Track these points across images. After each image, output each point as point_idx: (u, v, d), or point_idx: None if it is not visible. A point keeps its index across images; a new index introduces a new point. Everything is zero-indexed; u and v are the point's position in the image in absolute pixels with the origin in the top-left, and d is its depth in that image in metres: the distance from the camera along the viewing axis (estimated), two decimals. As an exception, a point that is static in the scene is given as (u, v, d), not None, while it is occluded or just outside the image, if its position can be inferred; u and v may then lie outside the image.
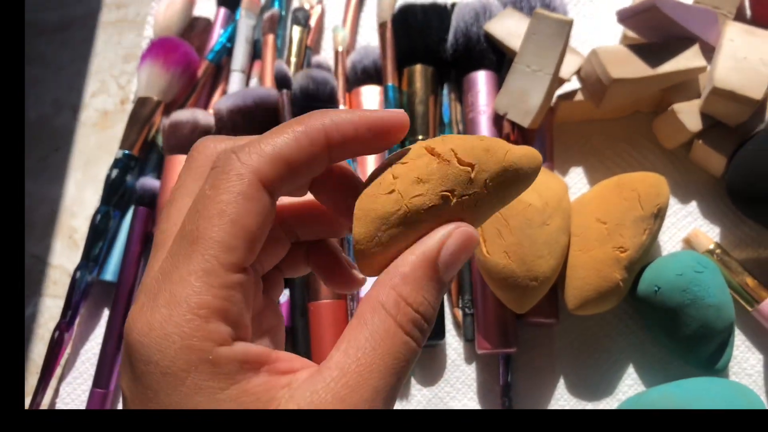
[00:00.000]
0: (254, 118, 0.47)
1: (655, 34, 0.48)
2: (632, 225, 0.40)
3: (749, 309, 0.42)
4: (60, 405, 0.46)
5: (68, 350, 0.47)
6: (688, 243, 0.44)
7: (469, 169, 0.22)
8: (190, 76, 0.51)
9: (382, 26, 0.51)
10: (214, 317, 0.20)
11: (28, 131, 0.54)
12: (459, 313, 0.45)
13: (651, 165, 0.47)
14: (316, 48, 0.54)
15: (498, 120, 0.47)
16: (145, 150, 0.50)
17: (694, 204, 0.46)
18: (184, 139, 0.47)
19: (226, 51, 0.53)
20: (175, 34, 0.53)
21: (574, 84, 0.48)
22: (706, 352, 0.40)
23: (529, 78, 0.46)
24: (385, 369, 0.20)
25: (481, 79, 0.48)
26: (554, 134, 0.48)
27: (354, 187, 0.24)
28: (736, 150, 0.44)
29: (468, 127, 0.48)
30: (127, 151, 0.49)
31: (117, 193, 0.48)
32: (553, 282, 0.41)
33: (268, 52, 0.52)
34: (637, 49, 0.47)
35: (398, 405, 0.44)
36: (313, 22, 0.54)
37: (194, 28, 0.55)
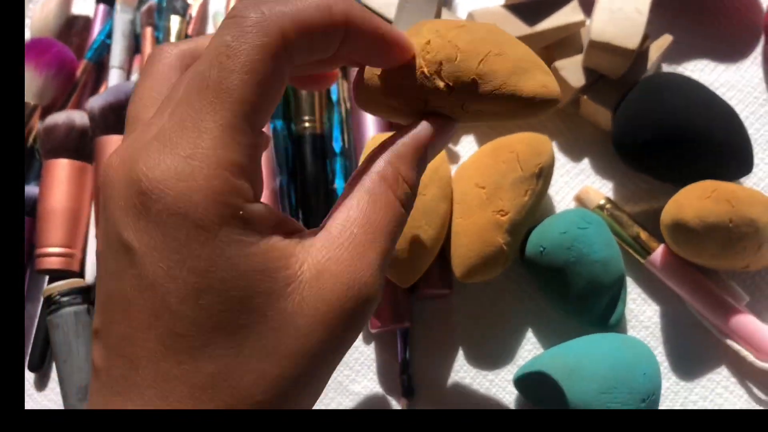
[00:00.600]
0: (129, 114, 0.45)
1: (536, -7, 0.47)
2: (511, 187, 0.39)
3: (642, 261, 0.41)
4: None
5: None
6: (579, 201, 0.44)
7: (479, 81, 0.24)
8: (67, 76, 0.49)
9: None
10: (241, 174, 0.20)
11: None
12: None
13: (542, 125, 0.46)
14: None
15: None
16: (27, 157, 0.49)
17: (586, 161, 0.46)
18: (61, 143, 0.46)
19: (106, 48, 0.51)
20: (52, 34, 0.52)
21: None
22: (599, 308, 0.40)
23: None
24: (387, 234, 0.22)
25: (363, 53, 0.47)
26: (442, 103, 0.47)
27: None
28: (620, 102, 0.43)
29: (352, 103, 0.47)
30: (5, 160, 0.47)
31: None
32: (436, 252, 0.40)
33: (147, 46, 0.50)
34: (515, 8, 0.46)
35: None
36: (195, 11, 0.52)
37: (73, 27, 0.53)
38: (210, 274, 0.19)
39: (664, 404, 0.40)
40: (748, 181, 0.42)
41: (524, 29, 0.45)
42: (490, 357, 0.42)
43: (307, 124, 0.46)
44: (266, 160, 0.46)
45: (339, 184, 0.46)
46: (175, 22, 0.50)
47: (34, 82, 0.48)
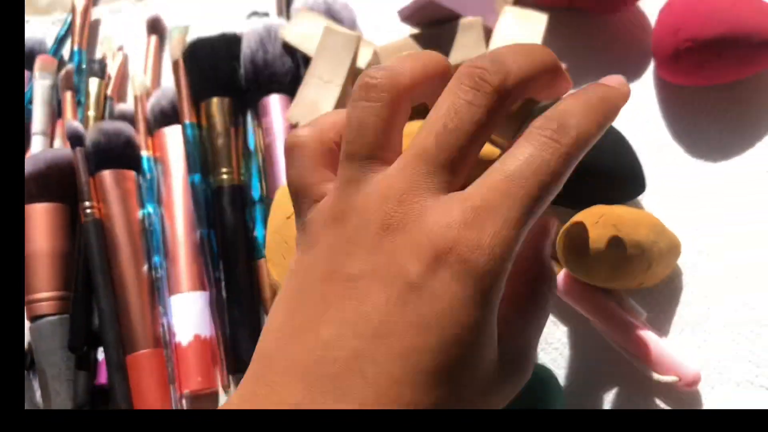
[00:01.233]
0: (50, 182, 0.47)
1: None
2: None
3: (549, 285, 0.43)
4: None
5: None
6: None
7: None
8: (-10, 146, 0.51)
9: (175, 65, 0.51)
10: None
11: None
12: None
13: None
14: (122, 96, 0.54)
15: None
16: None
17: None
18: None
19: (29, 114, 0.53)
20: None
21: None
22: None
23: (322, 89, 0.47)
24: None
25: (273, 103, 0.49)
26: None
27: None
28: (520, 127, 0.45)
29: (266, 152, 0.48)
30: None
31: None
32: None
33: (67, 110, 0.52)
34: (421, 38, 0.47)
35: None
36: (114, 71, 0.54)
37: (-4, 96, 0.54)
38: None
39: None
40: (646, 200, 0.44)
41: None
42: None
43: (224, 176, 0.48)
44: (186, 213, 0.47)
45: (260, 232, 0.47)
46: (93, 84, 0.52)
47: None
